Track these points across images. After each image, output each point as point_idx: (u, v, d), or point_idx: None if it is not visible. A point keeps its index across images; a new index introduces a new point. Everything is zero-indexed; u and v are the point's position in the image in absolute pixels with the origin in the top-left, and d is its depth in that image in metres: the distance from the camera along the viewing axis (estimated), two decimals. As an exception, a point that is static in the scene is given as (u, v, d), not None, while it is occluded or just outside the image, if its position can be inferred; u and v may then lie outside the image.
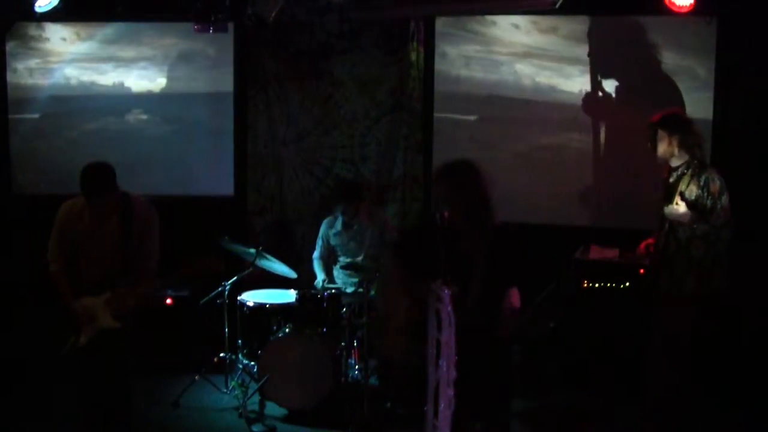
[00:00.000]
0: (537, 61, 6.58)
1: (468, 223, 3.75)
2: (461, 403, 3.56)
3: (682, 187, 4.59)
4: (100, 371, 4.28)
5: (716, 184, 4.54)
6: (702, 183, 4.55)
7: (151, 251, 4.31)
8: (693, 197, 4.53)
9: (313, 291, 5.64)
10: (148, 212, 4.33)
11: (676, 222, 4.57)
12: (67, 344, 4.32)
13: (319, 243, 6.13)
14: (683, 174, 4.63)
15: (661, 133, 4.68)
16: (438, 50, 6.72)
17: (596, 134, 6.50)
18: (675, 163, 4.70)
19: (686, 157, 4.65)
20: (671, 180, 4.69)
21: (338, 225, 6.00)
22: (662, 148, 4.69)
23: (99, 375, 4.30)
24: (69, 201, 4.35)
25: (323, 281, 5.96)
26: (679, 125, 4.70)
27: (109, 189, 4.16)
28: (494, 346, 3.83)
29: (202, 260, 4.33)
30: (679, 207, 4.51)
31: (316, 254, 6.13)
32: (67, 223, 4.28)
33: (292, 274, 5.81)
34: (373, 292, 5.46)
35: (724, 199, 4.54)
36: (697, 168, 4.62)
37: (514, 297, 3.80)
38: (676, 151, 4.66)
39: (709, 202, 4.51)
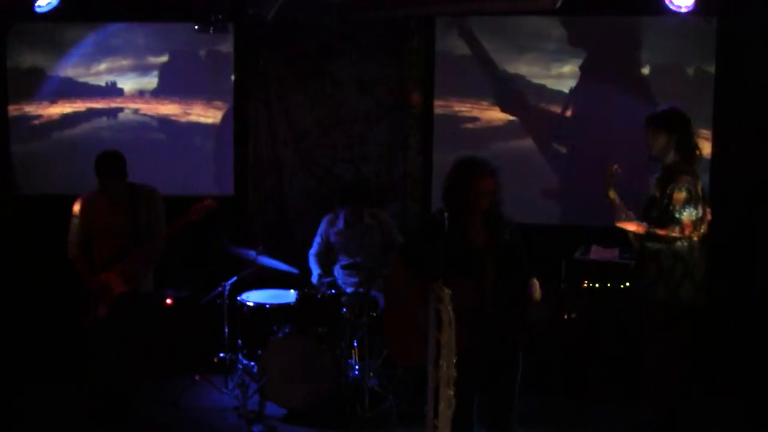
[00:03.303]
0: (537, 61, 6.59)
1: (493, 218, 3.84)
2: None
3: (667, 191, 4.33)
4: (120, 343, 4.78)
5: (681, 194, 4.26)
6: (668, 190, 4.29)
7: (158, 227, 4.89)
8: (654, 205, 4.34)
9: (313, 291, 5.63)
10: (153, 194, 4.97)
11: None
12: (89, 318, 4.77)
13: (317, 240, 6.09)
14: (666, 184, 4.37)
15: (657, 131, 4.45)
16: (438, 50, 6.73)
17: (597, 134, 6.50)
18: (669, 161, 4.47)
19: (678, 158, 4.42)
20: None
21: (340, 224, 5.99)
22: (658, 146, 4.45)
23: (115, 348, 4.79)
24: (82, 195, 4.93)
25: (319, 276, 5.88)
26: (679, 125, 4.45)
27: (121, 172, 4.78)
28: (515, 349, 3.88)
29: (195, 206, 4.95)
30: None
31: (312, 251, 6.08)
32: (85, 211, 4.86)
33: (294, 270, 5.82)
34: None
35: (688, 212, 4.26)
36: (672, 171, 4.37)
37: (534, 289, 3.81)
38: (671, 150, 4.42)
39: (669, 211, 4.27)
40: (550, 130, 6.64)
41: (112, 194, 4.82)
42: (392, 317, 4.02)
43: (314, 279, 5.90)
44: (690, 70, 6.35)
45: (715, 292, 4.61)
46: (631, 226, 4.41)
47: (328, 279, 5.90)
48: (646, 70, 6.42)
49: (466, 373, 3.46)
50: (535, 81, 6.61)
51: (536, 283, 3.82)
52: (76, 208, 4.89)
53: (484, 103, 6.70)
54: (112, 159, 4.79)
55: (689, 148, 4.44)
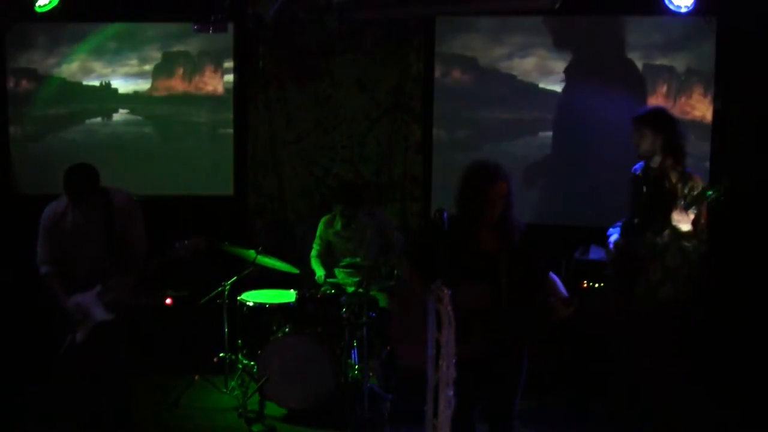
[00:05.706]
0: (536, 61, 6.58)
1: (504, 223, 3.79)
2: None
3: (685, 192, 4.37)
4: (98, 368, 4.39)
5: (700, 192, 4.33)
6: (686, 190, 4.36)
7: (136, 240, 4.43)
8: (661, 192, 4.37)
9: (313, 291, 5.64)
10: (128, 203, 4.46)
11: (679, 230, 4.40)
12: (64, 343, 4.43)
13: (317, 242, 6.13)
14: (677, 182, 4.40)
15: (645, 130, 4.48)
16: (438, 50, 6.73)
17: (596, 134, 6.50)
18: (655, 163, 4.51)
19: (670, 160, 4.45)
20: (647, 181, 4.51)
21: (337, 225, 6.00)
22: (645, 146, 4.49)
23: (97, 372, 4.40)
24: (51, 203, 4.48)
25: (324, 276, 5.95)
26: (665, 124, 4.49)
27: (93, 189, 4.32)
28: (521, 354, 3.85)
29: (186, 243, 4.45)
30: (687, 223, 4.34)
31: (314, 253, 6.13)
32: (52, 225, 4.42)
33: (294, 270, 5.83)
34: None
35: (702, 209, 4.36)
36: (683, 175, 4.42)
37: (558, 288, 3.87)
38: (658, 150, 4.46)
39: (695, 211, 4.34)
40: (550, 129, 6.64)
41: (84, 204, 4.37)
42: (403, 316, 3.94)
43: (319, 279, 5.95)
44: (689, 71, 6.34)
45: (714, 292, 4.61)
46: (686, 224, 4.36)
47: (332, 280, 5.92)
48: (645, 70, 6.41)
49: (469, 377, 3.45)
50: (535, 80, 6.61)
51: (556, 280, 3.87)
52: (43, 221, 4.44)
53: (485, 102, 6.70)
54: (83, 176, 4.31)
55: (677, 147, 4.46)
